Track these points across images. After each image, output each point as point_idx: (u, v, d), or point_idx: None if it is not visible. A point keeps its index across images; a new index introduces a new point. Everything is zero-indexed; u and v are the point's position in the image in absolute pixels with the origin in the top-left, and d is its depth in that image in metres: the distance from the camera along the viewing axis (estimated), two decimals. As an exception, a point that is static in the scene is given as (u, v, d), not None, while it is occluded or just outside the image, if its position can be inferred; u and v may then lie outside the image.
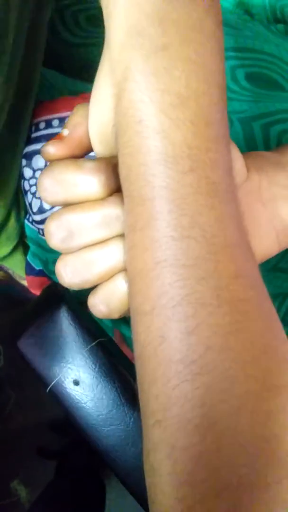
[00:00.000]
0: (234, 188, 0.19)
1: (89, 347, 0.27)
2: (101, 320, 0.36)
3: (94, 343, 0.27)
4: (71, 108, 0.35)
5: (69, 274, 0.21)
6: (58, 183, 0.20)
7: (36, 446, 0.72)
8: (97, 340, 0.27)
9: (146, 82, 0.17)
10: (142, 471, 0.27)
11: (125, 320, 0.37)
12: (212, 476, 0.15)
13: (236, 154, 0.21)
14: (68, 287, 0.21)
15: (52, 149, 0.21)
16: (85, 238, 0.20)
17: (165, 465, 0.16)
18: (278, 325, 0.18)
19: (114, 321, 0.38)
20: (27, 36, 0.29)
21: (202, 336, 0.16)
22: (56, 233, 0.20)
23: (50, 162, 0.21)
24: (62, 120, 0.35)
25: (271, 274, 0.35)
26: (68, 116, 0.35)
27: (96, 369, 0.27)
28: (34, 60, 0.32)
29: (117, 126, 0.18)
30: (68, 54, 0.40)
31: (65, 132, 0.21)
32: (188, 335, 0.16)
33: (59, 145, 0.21)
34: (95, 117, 0.20)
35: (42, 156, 0.21)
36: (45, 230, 0.21)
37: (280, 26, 0.39)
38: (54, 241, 0.20)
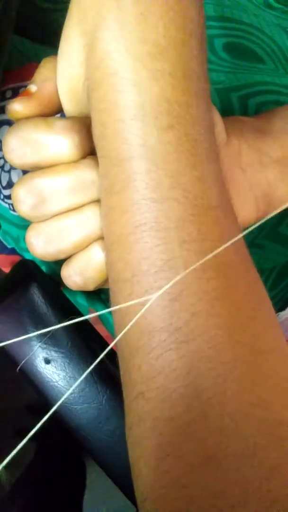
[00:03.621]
0: (216, 148, 0.18)
1: (60, 325, 0.26)
2: (75, 299, 0.35)
3: (65, 321, 0.26)
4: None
5: (41, 244, 0.19)
6: (26, 143, 0.18)
7: (16, 428, 0.72)
8: (69, 318, 0.27)
9: (121, 29, 0.15)
10: (116, 449, 0.26)
11: (100, 299, 0.37)
12: (199, 446, 0.15)
13: (217, 117, 0.20)
14: (41, 259, 0.20)
15: (19, 106, 0.19)
16: (58, 204, 0.19)
17: (149, 437, 0.16)
18: (263, 289, 0.18)
19: (89, 300, 0.37)
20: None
21: (186, 303, 0.16)
22: (25, 200, 0.19)
23: (17, 121, 0.19)
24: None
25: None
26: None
27: (68, 347, 0.26)
28: (6, 29, 0.30)
29: (89, 80, 0.17)
30: (39, 20, 0.38)
31: (33, 87, 0.19)
32: (172, 302, 0.16)
33: (27, 102, 0.19)
34: (64, 71, 0.18)
35: (8, 115, 0.20)
36: (12, 196, 0.19)
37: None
38: (23, 209, 0.19)
